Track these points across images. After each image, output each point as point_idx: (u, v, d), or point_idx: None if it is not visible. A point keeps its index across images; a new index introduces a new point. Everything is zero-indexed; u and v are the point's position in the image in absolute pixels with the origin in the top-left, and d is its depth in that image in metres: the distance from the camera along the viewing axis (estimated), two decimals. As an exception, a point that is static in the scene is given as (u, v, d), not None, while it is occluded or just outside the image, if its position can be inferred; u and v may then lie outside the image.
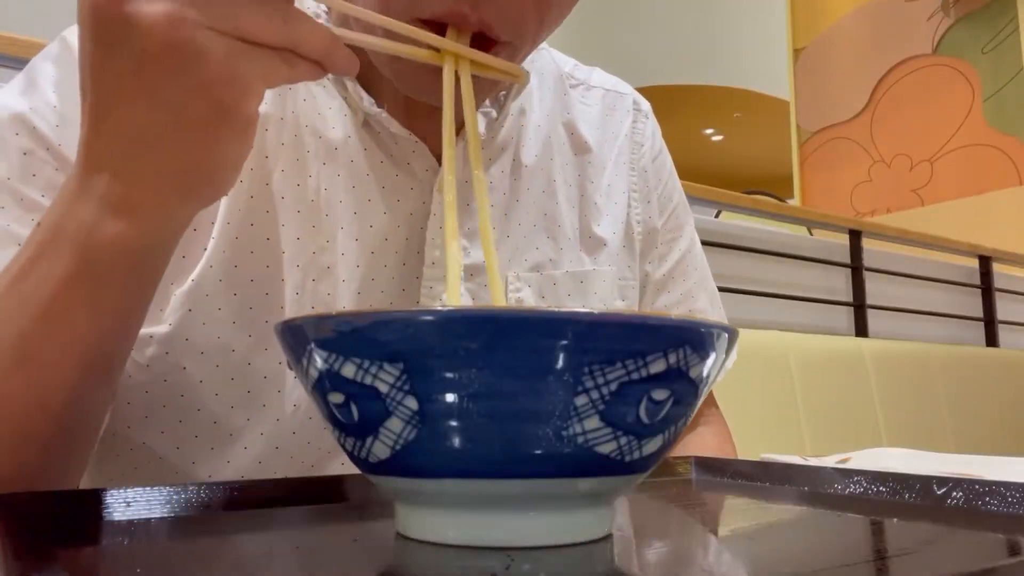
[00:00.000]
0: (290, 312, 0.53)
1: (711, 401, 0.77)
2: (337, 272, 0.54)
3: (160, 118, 0.35)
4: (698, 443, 0.71)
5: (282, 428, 0.52)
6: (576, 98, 0.68)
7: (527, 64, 0.60)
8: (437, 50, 0.45)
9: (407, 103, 0.56)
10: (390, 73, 0.52)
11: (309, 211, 0.54)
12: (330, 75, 0.55)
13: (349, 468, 0.37)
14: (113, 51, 0.34)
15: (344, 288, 0.54)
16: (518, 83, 0.44)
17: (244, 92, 0.35)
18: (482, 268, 0.57)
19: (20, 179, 0.50)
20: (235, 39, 0.34)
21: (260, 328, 0.52)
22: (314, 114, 0.56)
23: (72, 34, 0.53)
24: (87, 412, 0.42)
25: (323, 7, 0.57)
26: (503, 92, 0.60)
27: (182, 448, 0.51)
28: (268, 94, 0.54)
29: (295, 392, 0.52)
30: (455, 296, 0.39)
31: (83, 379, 0.39)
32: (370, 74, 0.55)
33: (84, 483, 0.52)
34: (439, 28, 0.46)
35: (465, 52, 0.45)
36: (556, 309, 0.27)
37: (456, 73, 0.46)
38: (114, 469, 0.52)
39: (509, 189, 0.61)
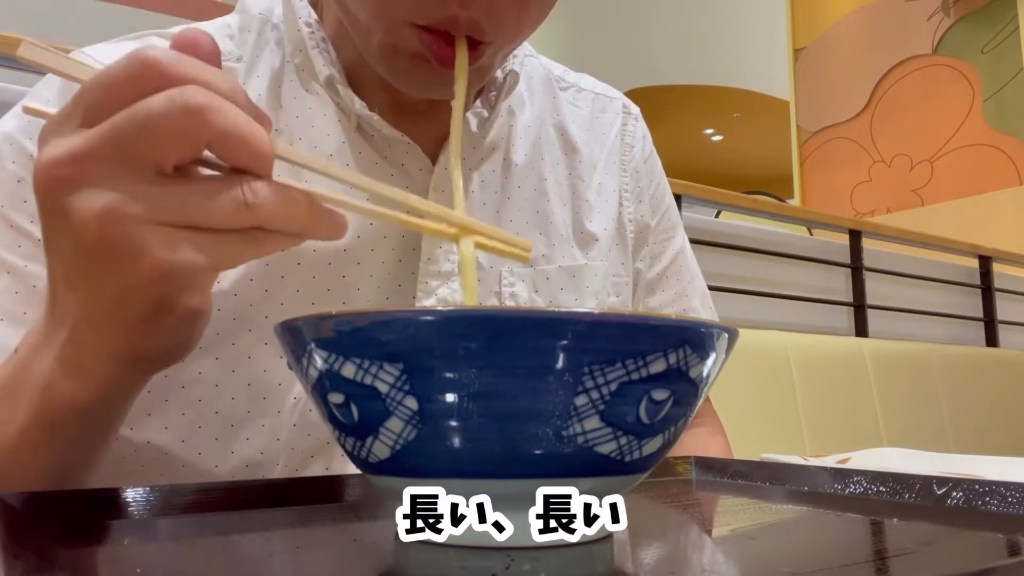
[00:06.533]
0: (290, 308, 0.53)
1: (707, 402, 0.77)
2: (336, 268, 0.54)
3: (99, 305, 0.34)
4: (692, 444, 0.72)
5: (283, 420, 0.53)
6: (566, 100, 0.69)
7: (515, 65, 0.61)
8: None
9: (396, 106, 0.58)
10: (384, 69, 0.52)
11: None
12: (322, 81, 0.56)
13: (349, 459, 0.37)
14: (55, 234, 0.34)
15: (343, 284, 0.55)
16: (523, 260, 0.42)
17: (185, 287, 0.34)
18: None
19: (11, 206, 0.51)
20: (185, 231, 0.32)
21: (260, 323, 0.53)
22: (307, 127, 0.57)
23: (79, 55, 0.54)
24: None
25: (313, 17, 0.57)
26: (493, 93, 0.61)
27: (187, 440, 0.52)
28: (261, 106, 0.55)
29: (295, 385, 0.53)
30: (472, 295, 0.40)
31: None
32: (360, 79, 0.57)
33: (87, 486, 0.52)
34: (437, 35, 0.48)
35: (472, 224, 0.41)
36: (556, 309, 0.27)
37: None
38: (119, 471, 0.52)
39: (500, 187, 0.62)
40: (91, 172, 0.31)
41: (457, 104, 0.47)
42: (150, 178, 0.31)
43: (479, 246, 0.39)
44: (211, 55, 0.34)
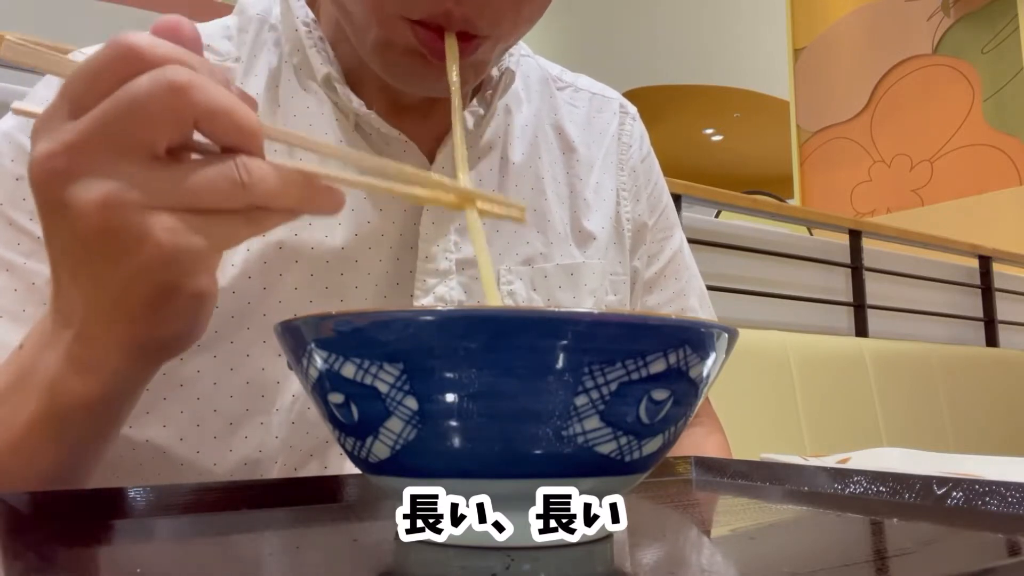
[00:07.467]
0: (289, 306, 0.53)
1: (706, 401, 0.77)
2: (334, 266, 0.55)
3: (105, 296, 0.34)
4: (690, 443, 0.72)
5: (281, 418, 0.53)
6: (563, 100, 0.70)
7: (511, 64, 0.61)
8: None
9: (394, 105, 0.58)
10: (380, 66, 0.52)
11: None
12: (320, 80, 0.56)
13: (348, 457, 0.37)
14: (55, 229, 0.34)
15: (341, 282, 0.55)
16: (519, 220, 0.42)
17: (189, 270, 0.34)
18: (474, 262, 0.58)
19: (10, 203, 0.51)
20: (184, 214, 0.32)
21: (258, 321, 0.53)
22: (305, 126, 0.57)
23: (78, 55, 0.54)
24: None
25: (310, 16, 0.57)
26: (489, 91, 0.61)
27: (185, 439, 0.52)
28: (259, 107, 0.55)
29: (293, 383, 0.53)
30: (493, 296, 0.40)
31: None
32: (358, 77, 0.57)
33: (88, 486, 0.52)
34: (430, 29, 0.48)
35: (471, 191, 0.42)
36: (556, 309, 0.27)
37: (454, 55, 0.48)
38: (118, 470, 0.52)
39: (498, 186, 0.62)
40: (86, 161, 0.31)
41: (454, 94, 0.47)
42: (144, 163, 0.31)
43: (482, 213, 0.40)
44: (192, 40, 0.34)
